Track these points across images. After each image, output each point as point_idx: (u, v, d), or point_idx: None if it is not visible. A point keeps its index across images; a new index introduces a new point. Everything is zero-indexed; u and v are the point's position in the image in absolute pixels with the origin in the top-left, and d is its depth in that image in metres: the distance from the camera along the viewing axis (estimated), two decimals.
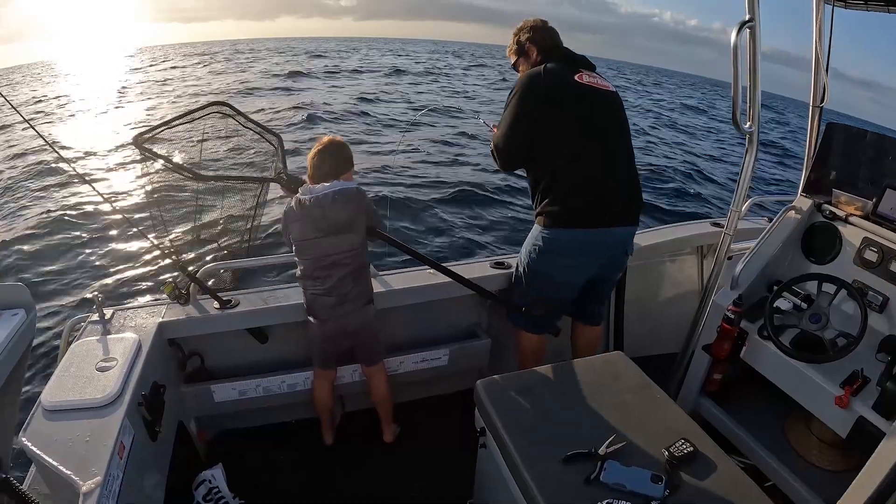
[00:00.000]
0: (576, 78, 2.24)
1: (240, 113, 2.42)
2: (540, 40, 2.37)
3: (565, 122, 2.19)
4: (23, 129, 14.61)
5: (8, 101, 1.76)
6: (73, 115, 19.87)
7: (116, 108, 21.36)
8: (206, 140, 2.34)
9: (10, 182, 10.03)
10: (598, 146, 2.22)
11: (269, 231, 4.84)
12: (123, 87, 27.95)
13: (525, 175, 2.42)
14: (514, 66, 2.48)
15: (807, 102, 2.55)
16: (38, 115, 19.06)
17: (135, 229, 2.24)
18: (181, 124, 2.24)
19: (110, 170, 11.11)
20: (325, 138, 2.27)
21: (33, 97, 26.18)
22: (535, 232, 2.34)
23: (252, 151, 2.52)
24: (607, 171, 2.24)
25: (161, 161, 2.14)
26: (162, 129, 2.19)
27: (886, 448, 1.71)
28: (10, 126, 14.66)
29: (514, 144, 2.27)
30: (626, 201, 2.29)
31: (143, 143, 2.09)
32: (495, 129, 2.42)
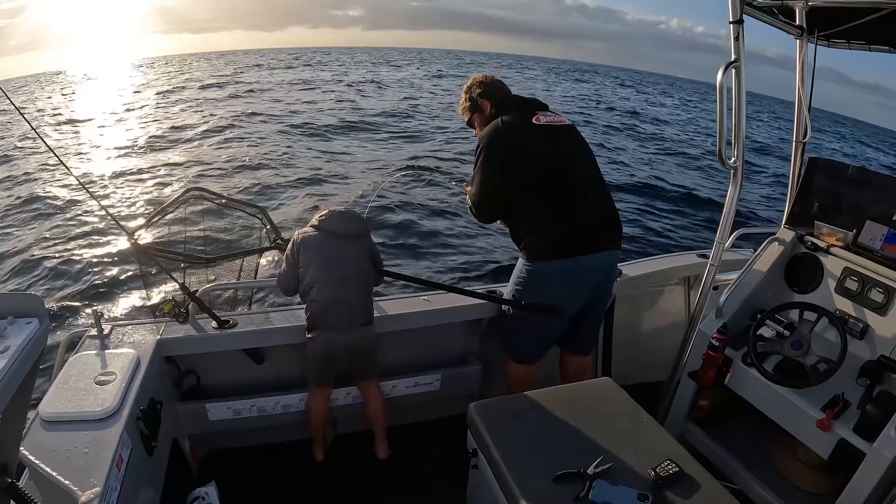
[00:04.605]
0: (533, 121, 2.35)
1: (215, 195, 2.59)
2: (491, 94, 2.47)
3: (531, 165, 2.30)
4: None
5: (18, 109, 1.84)
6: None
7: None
8: (194, 224, 2.59)
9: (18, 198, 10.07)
10: (565, 180, 2.32)
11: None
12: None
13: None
14: (469, 124, 2.57)
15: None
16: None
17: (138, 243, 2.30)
18: (165, 215, 2.44)
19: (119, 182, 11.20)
20: (324, 208, 2.50)
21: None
22: (520, 265, 2.42)
23: (239, 224, 2.69)
24: (579, 202, 2.32)
25: (162, 256, 2.36)
26: (150, 223, 2.38)
27: (867, 468, 1.77)
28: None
29: (489, 199, 2.39)
30: (602, 227, 2.37)
31: (138, 242, 2.27)
32: (468, 188, 2.53)
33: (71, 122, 21.11)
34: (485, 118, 2.46)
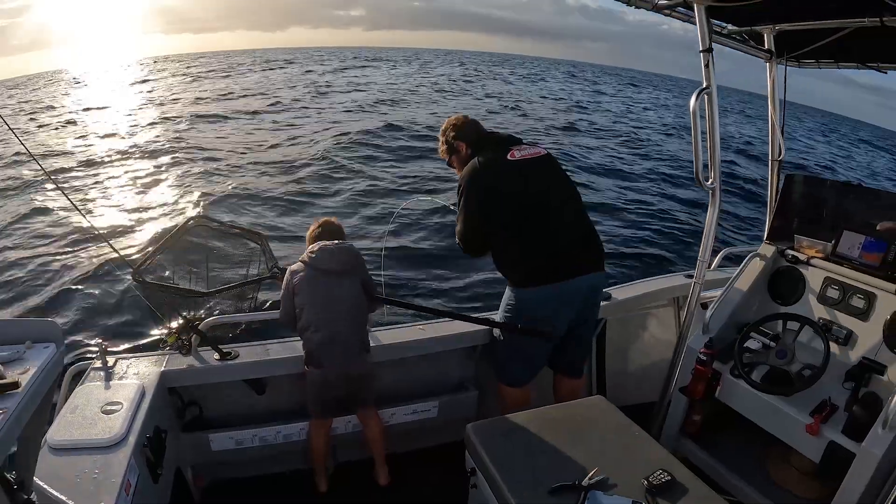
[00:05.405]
0: (507, 157, 2.45)
1: (217, 222, 2.68)
2: (465, 135, 2.59)
3: (505, 203, 2.40)
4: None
5: (11, 129, 1.93)
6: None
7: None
8: (196, 253, 2.63)
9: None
10: (539, 213, 2.41)
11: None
12: None
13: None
14: (449, 164, 2.70)
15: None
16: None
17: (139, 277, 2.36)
18: (169, 245, 2.50)
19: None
20: (322, 219, 2.63)
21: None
22: (507, 292, 2.52)
23: (240, 252, 2.79)
24: (556, 229, 2.41)
25: (162, 290, 2.41)
26: (154, 254, 2.44)
27: (858, 468, 1.82)
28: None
29: (472, 234, 2.51)
30: (581, 251, 2.46)
31: (141, 275, 2.33)
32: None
33: (70, 122, 21.68)
34: (462, 159, 2.58)
